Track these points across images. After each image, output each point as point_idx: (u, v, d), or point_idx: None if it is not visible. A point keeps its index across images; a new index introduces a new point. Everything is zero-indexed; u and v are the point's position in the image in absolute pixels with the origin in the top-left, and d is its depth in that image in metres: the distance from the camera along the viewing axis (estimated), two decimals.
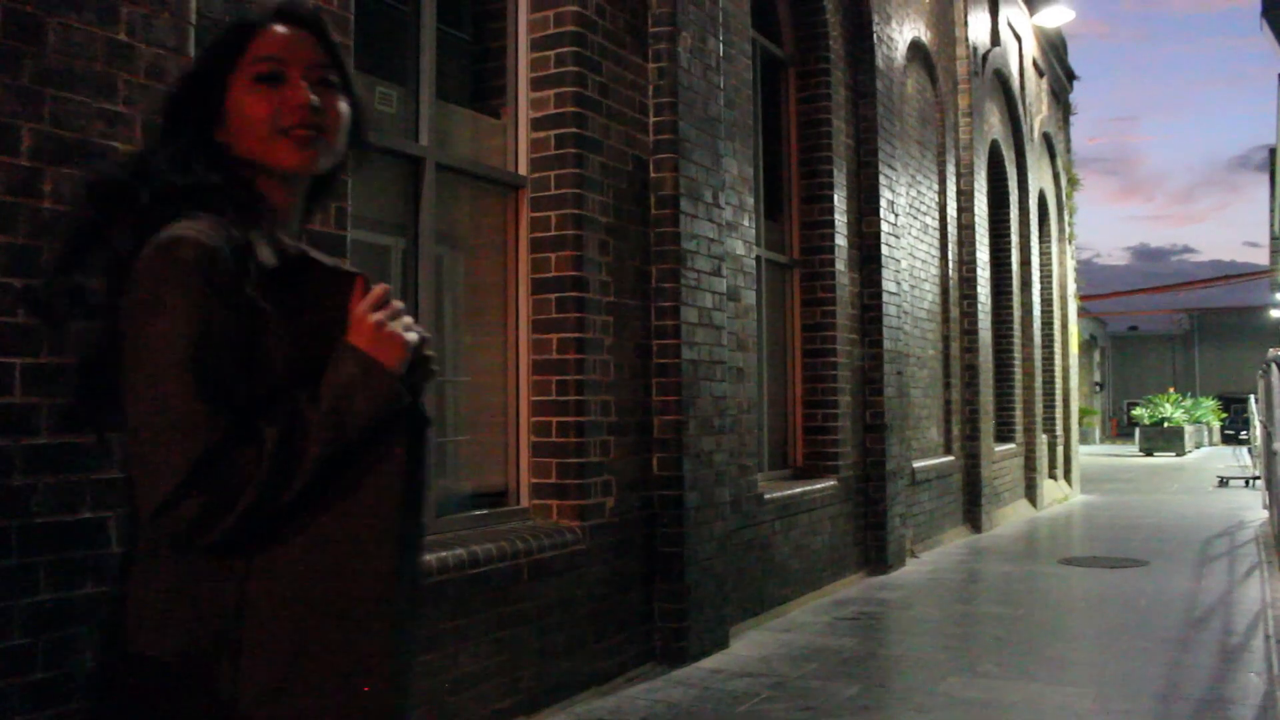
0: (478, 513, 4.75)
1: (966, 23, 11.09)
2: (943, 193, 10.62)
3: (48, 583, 2.60)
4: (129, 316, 1.37)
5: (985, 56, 11.75)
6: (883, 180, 8.48)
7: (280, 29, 1.54)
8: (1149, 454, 29.48)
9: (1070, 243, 16.73)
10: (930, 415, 10.12)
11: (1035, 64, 14.59)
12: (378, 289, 1.50)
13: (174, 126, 1.54)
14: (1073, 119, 17.68)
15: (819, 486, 7.36)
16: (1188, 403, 33.23)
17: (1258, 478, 15.34)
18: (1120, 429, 47.05)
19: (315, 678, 1.39)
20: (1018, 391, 13.03)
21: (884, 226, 8.47)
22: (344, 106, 1.58)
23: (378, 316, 1.48)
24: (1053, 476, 14.86)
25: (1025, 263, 13.74)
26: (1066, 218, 16.47)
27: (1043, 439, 13.96)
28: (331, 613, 1.42)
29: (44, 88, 2.64)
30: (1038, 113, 14.72)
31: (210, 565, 1.38)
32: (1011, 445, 12.67)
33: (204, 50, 1.59)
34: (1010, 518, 12.05)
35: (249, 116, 1.51)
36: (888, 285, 8.49)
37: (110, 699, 1.44)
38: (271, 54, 1.52)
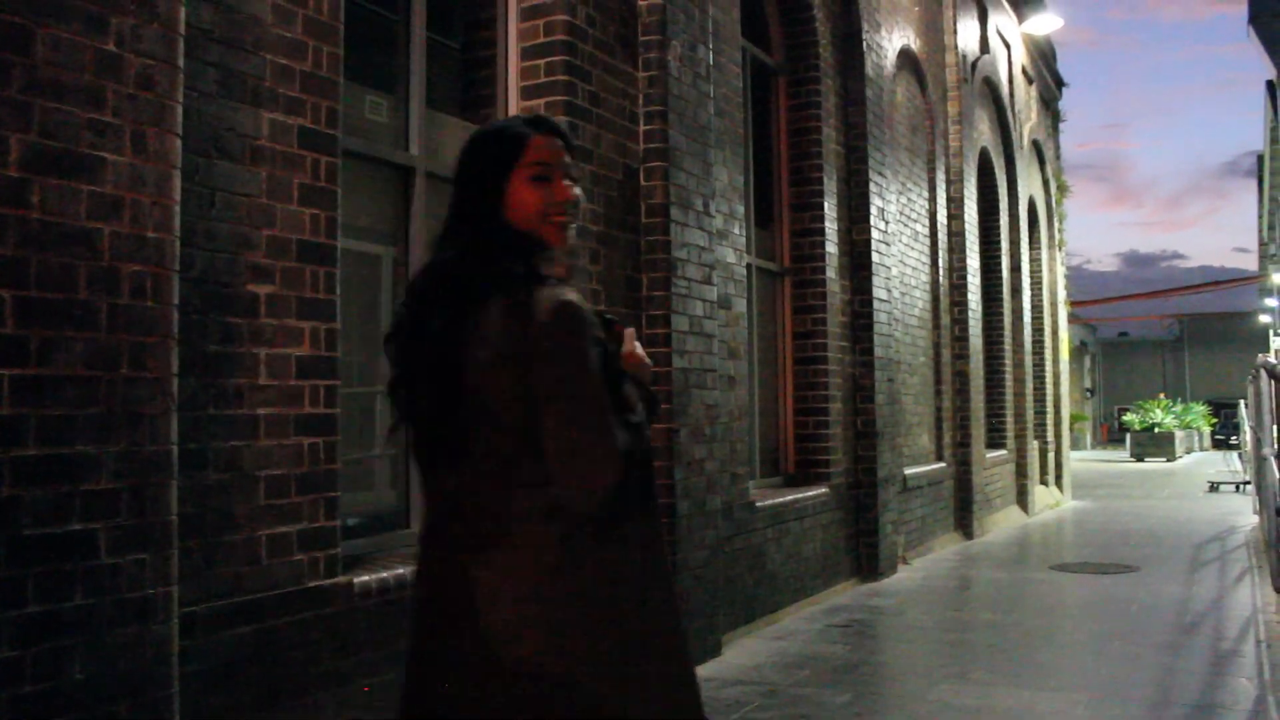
0: None
1: (955, 30, 11.13)
2: (933, 200, 10.64)
3: (36, 595, 2.59)
4: (551, 357, 1.87)
5: (974, 64, 11.79)
6: (873, 188, 8.50)
7: (545, 139, 2.08)
8: (1140, 459, 29.54)
9: (1060, 249, 16.79)
10: (922, 422, 10.13)
11: (1024, 71, 14.64)
12: (630, 330, 2.13)
13: (463, 208, 2.06)
14: (1062, 126, 17.74)
15: (811, 494, 7.37)
16: (1178, 408, 33.31)
17: (1248, 483, 15.38)
18: (1111, 435, 47.16)
19: (644, 643, 1.94)
20: (1009, 398, 13.06)
21: (874, 234, 8.49)
22: (579, 193, 2.13)
23: (640, 352, 2.11)
24: (1044, 482, 14.88)
25: (1015, 269, 13.77)
26: (1056, 224, 16.52)
27: (1034, 445, 13.99)
28: (648, 582, 1.97)
29: (32, 98, 2.63)
30: (1027, 120, 14.77)
31: (594, 542, 1.91)
32: (1003, 451, 12.69)
33: (487, 151, 2.08)
34: (1002, 524, 12.07)
35: (526, 206, 2.04)
36: (878, 292, 8.51)
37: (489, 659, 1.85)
38: (543, 160, 2.07)
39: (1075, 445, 28.83)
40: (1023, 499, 13.36)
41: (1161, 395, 37.32)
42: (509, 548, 1.88)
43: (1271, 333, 36.39)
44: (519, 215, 2.02)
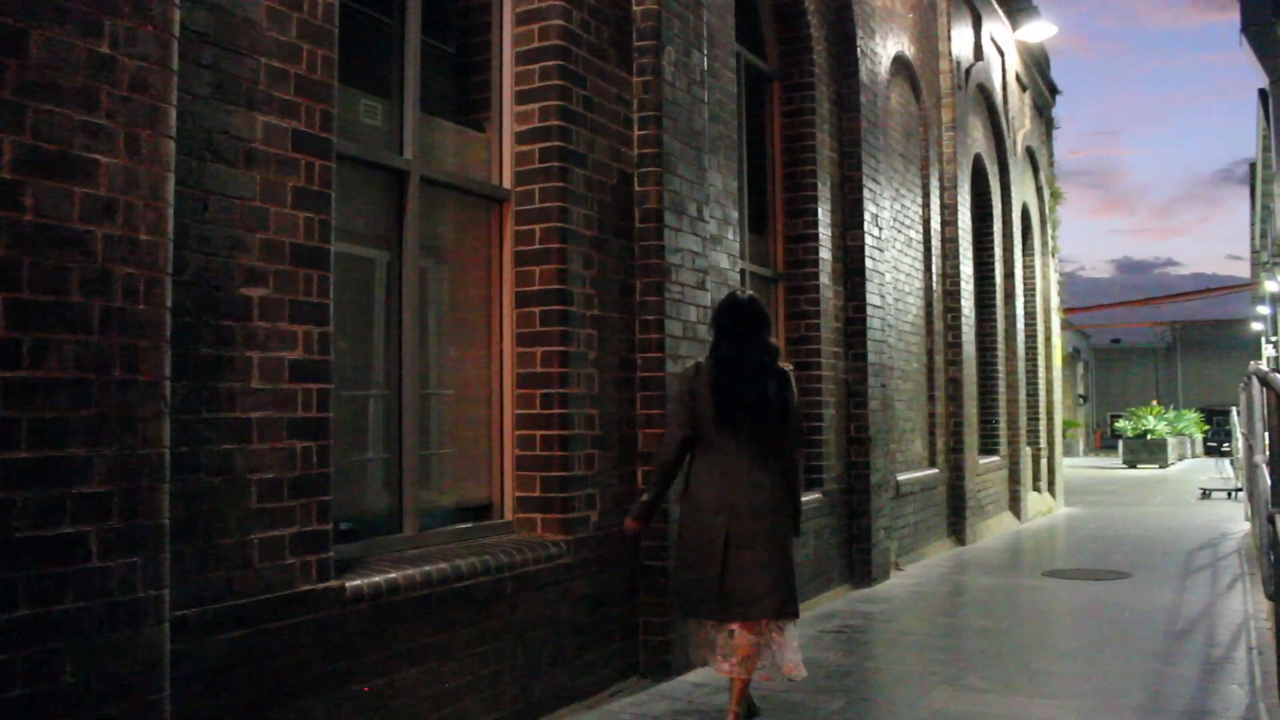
0: (461, 526, 4.73)
1: (950, 37, 11.15)
2: (926, 206, 10.66)
3: (27, 598, 2.58)
4: (791, 395, 4.44)
5: (968, 71, 11.82)
6: (867, 194, 8.51)
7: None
8: (1132, 466, 29.59)
9: (1053, 256, 16.82)
10: (914, 428, 10.14)
11: (1018, 78, 14.68)
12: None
13: (764, 333, 4.48)
14: (1055, 133, 17.78)
15: (803, 499, 7.35)
16: (1170, 415, 33.36)
17: (1240, 490, 15.41)
18: (1104, 441, 47.22)
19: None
20: (1001, 404, 13.07)
21: (868, 240, 8.50)
22: None
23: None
24: (1037, 489, 14.91)
25: (1009, 276, 13.80)
26: (1049, 231, 16.55)
27: (1026, 451, 14.00)
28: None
29: (26, 100, 2.63)
30: (1020, 126, 14.80)
31: None
32: (995, 458, 12.70)
33: (753, 310, 4.47)
34: (994, 530, 12.08)
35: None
36: (872, 299, 8.52)
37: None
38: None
39: (1068, 452, 28.87)
40: (1015, 505, 13.37)
41: (1154, 402, 37.37)
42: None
43: (1264, 340, 36.47)
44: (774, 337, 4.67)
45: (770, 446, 4.40)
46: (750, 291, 4.74)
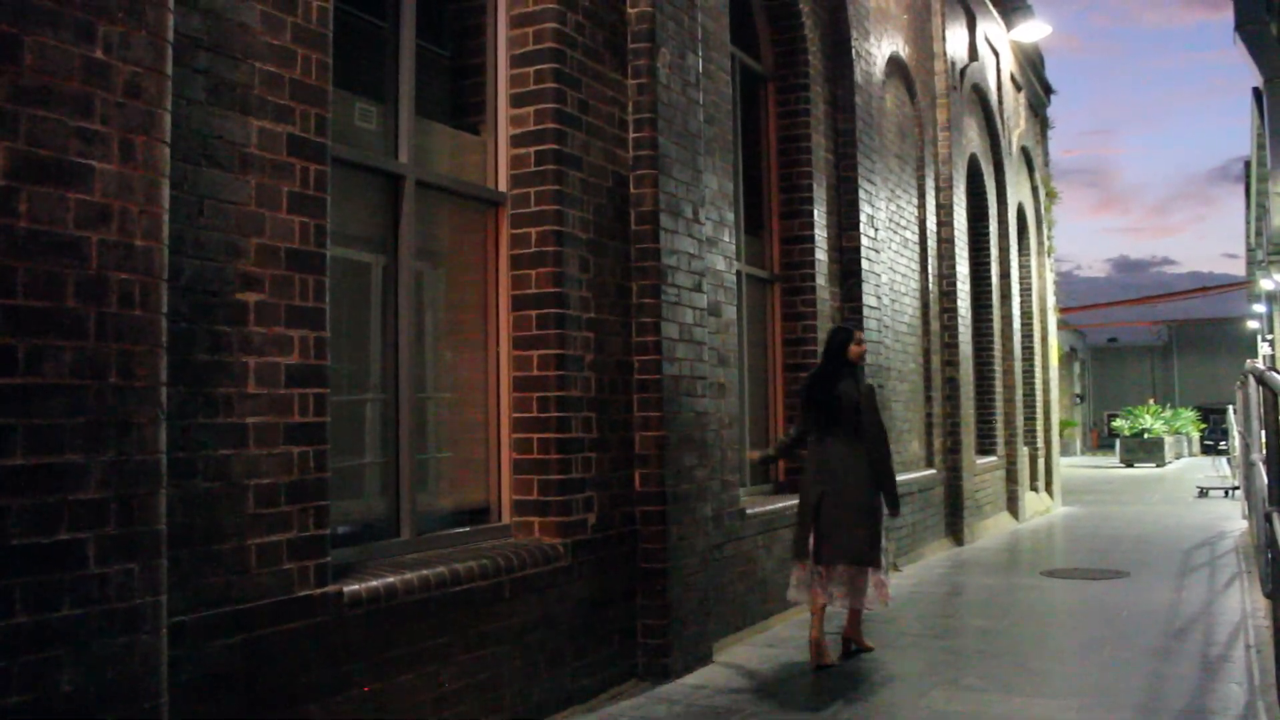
0: (459, 530, 4.73)
1: (944, 38, 11.16)
2: (922, 207, 10.67)
3: (24, 605, 2.57)
4: (871, 401, 5.90)
5: (963, 71, 11.83)
6: (862, 195, 8.52)
7: (859, 333, 6.17)
8: (1129, 465, 29.61)
9: (1049, 255, 16.83)
10: (912, 429, 10.14)
11: (1013, 78, 14.70)
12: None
13: (839, 352, 5.97)
14: (1050, 132, 17.80)
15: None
16: (1167, 414, 33.38)
17: (1237, 488, 15.41)
18: (1101, 440, 47.24)
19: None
20: (998, 404, 13.08)
21: (864, 241, 8.51)
22: (866, 347, 6.91)
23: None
24: (1034, 488, 14.91)
25: (1005, 276, 13.81)
26: (1045, 230, 16.57)
27: (1024, 451, 14.01)
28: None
29: (20, 106, 2.62)
30: (1015, 126, 14.81)
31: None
32: (993, 458, 12.71)
33: (843, 334, 6.05)
34: (992, 530, 12.08)
35: (852, 353, 5.98)
36: (868, 299, 8.52)
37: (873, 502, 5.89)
38: (857, 339, 6.04)
39: (1065, 451, 28.89)
40: (1013, 505, 13.38)
41: (1151, 401, 37.40)
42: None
43: (1259, 338, 36.49)
44: (852, 355, 5.96)
45: (858, 437, 5.81)
46: (844, 324, 6.90)
